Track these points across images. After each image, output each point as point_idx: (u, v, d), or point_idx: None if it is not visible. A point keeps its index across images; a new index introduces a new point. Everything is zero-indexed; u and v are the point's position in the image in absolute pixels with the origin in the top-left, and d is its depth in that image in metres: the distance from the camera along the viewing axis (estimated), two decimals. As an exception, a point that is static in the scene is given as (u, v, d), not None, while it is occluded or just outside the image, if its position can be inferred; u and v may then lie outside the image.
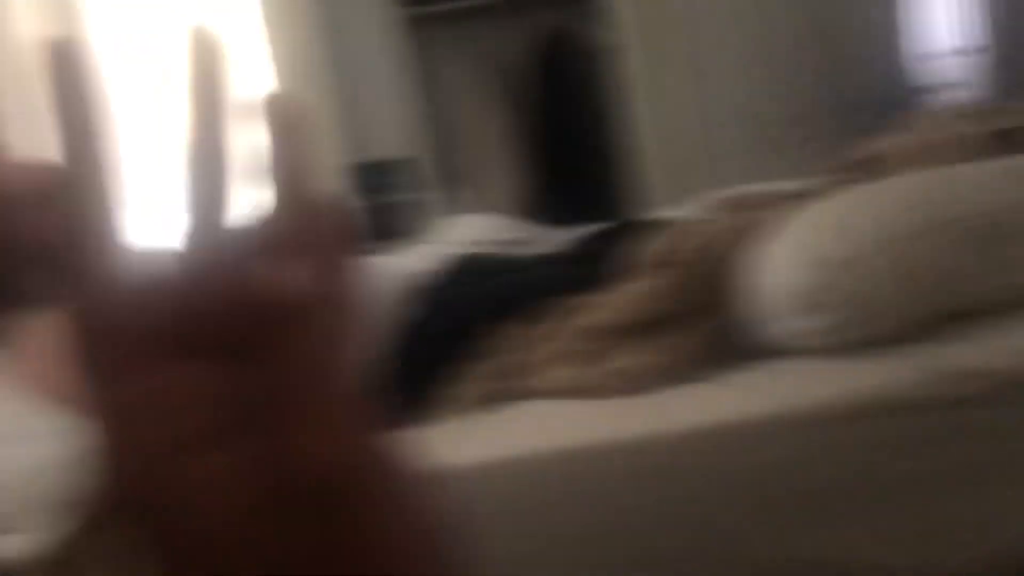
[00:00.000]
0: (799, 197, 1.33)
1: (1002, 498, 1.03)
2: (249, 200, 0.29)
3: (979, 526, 1.03)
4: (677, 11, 4.12)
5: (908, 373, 1.05)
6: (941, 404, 1.02)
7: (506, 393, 1.23)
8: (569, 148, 4.43)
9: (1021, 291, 1.16)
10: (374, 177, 4.21)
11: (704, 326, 1.21)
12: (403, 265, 1.69)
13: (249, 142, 0.29)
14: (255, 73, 3.81)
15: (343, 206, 0.30)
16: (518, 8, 4.78)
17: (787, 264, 1.16)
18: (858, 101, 4.34)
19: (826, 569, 1.02)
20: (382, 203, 4.21)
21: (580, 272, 1.43)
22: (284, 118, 0.29)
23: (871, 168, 1.46)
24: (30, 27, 3.33)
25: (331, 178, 3.91)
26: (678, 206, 2.03)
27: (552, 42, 4.70)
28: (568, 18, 4.73)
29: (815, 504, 1.03)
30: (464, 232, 1.96)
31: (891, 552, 1.03)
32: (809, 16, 4.27)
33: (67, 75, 0.27)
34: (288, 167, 0.29)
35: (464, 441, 1.13)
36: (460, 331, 1.33)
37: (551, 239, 1.86)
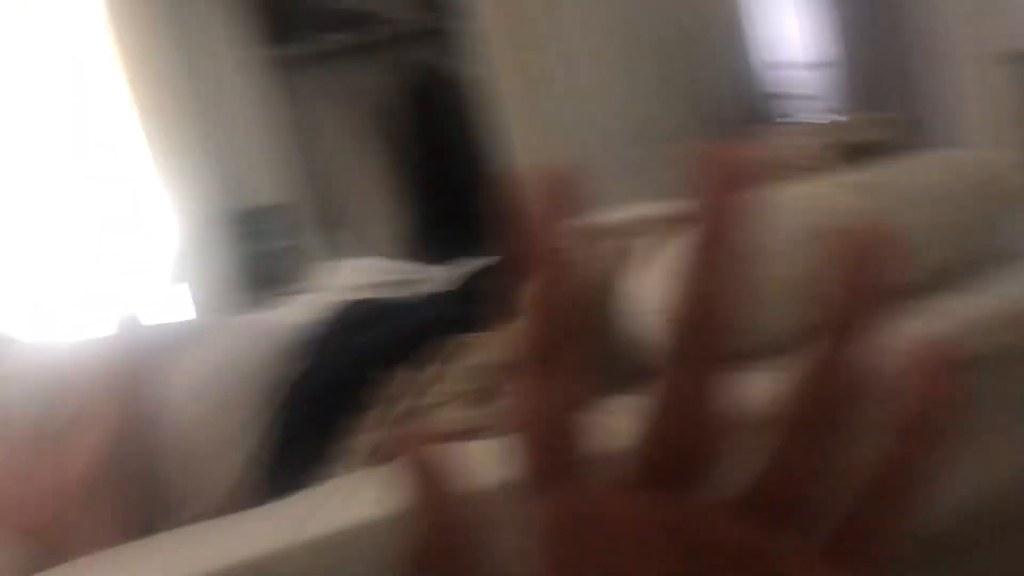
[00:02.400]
0: (666, 220, 1.38)
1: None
2: None
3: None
4: (538, 37, 4.22)
5: (779, 384, 1.09)
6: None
7: (398, 442, 1.22)
8: (445, 183, 4.46)
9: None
10: (249, 224, 4.12)
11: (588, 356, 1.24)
12: (285, 317, 1.66)
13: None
14: (117, 121, 3.68)
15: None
16: (384, 46, 4.80)
17: (659, 287, 1.20)
18: (716, 117, 4.53)
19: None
20: (259, 251, 4.12)
21: (466, 310, 1.44)
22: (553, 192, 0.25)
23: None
24: None
25: (202, 229, 3.81)
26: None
27: (420, 78, 4.73)
28: (434, 53, 4.78)
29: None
30: (345, 277, 1.94)
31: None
32: (667, 30, 4.44)
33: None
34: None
35: (355, 497, 1.12)
36: (348, 382, 1.32)
37: (435, 277, 1.86)
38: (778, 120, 3.77)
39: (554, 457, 0.24)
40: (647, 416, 0.25)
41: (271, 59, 4.43)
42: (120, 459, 1.21)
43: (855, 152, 1.42)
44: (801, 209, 1.24)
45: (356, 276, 1.91)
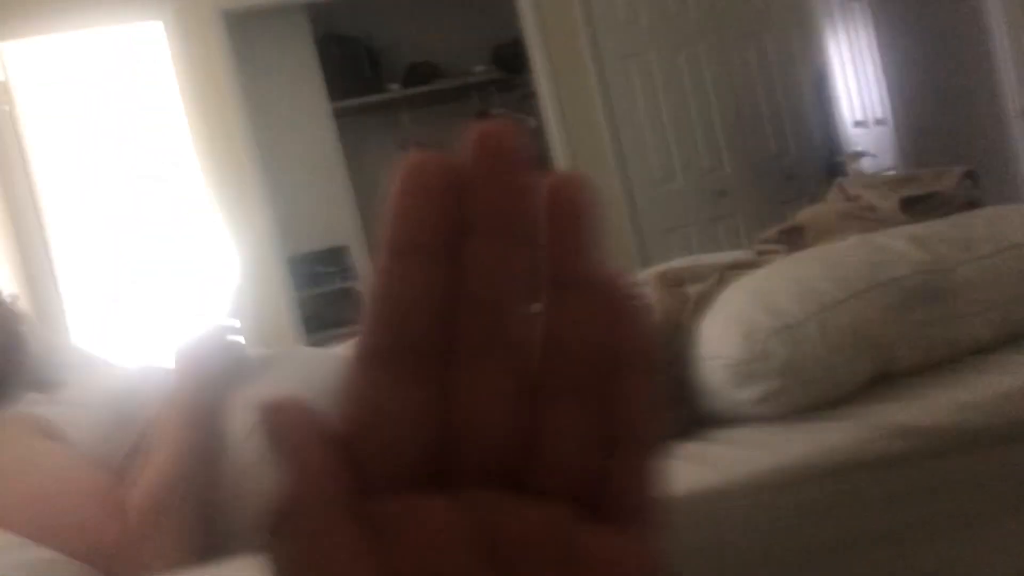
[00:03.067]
0: (728, 270, 1.38)
1: (945, 554, 1.07)
2: None
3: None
4: (599, 90, 4.27)
5: (849, 434, 1.08)
6: (883, 462, 1.06)
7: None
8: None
9: (952, 347, 1.22)
10: (310, 268, 4.21)
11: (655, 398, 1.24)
12: (343, 353, 1.69)
13: None
14: (186, 171, 3.81)
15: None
16: (444, 97, 4.90)
17: (720, 337, 1.20)
18: (776, 172, 4.53)
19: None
20: (320, 293, 4.20)
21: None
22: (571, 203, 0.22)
23: (792, 239, 1.53)
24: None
25: (264, 270, 3.90)
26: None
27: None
28: (494, 103, 4.87)
29: (763, 571, 1.05)
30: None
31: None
32: (725, 91, 4.47)
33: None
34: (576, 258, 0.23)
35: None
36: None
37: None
38: (839, 177, 3.75)
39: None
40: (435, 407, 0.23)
41: (338, 110, 4.55)
42: (186, 486, 1.24)
43: (911, 206, 1.41)
44: (862, 258, 1.24)
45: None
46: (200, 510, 1.25)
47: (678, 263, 1.84)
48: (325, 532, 0.22)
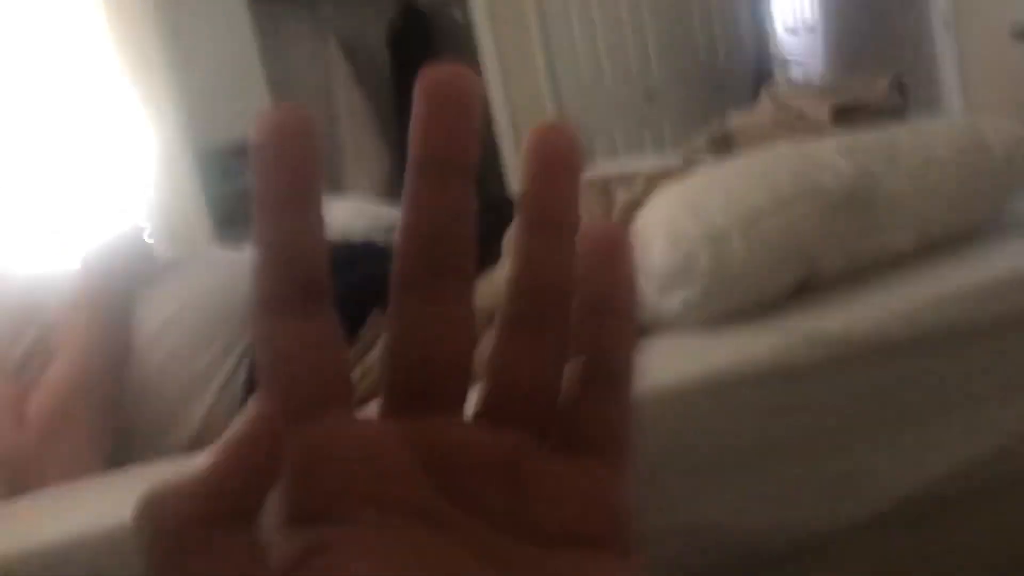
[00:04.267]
0: (655, 177, 1.36)
1: (864, 458, 1.09)
2: None
3: (841, 487, 1.09)
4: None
5: (771, 342, 1.09)
6: (803, 370, 1.07)
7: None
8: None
9: (876, 257, 1.23)
10: (223, 165, 4.04)
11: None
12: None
13: None
14: (97, 61, 3.57)
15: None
16: (366, -15, 4.69)
17: (646, 245, 1.18)
18: (705, 78, 4.50)
19: (702, 535, 1.06)
20: (232, 191, 4.05)
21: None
22: (555, 152, 0.24)
23: (721, 146, 1.51)
24: None
25: (176, 166, 3.73)
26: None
27: (406, 20, 4.63)
28: (419, -5, 4.68)
29: (688, 474, 1.07)
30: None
31: (761, 515, 1.07)
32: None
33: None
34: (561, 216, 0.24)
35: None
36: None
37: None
38: (776, 82, 3.75)
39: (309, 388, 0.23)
40: (389, 336, 0.24)
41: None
42: (90, 389, 1.18)
43: (842, 114, 1.40)
44: (794, 169, 1.22)
45: (334, 217, 1.88)
46: (105, 414, 1.20)
47: (605, 167, 1.81)
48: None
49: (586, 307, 0.24)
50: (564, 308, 0.24)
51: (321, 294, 0.23)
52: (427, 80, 0.23)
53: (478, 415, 0.25)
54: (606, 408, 0.25)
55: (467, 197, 0.23)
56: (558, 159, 0.24)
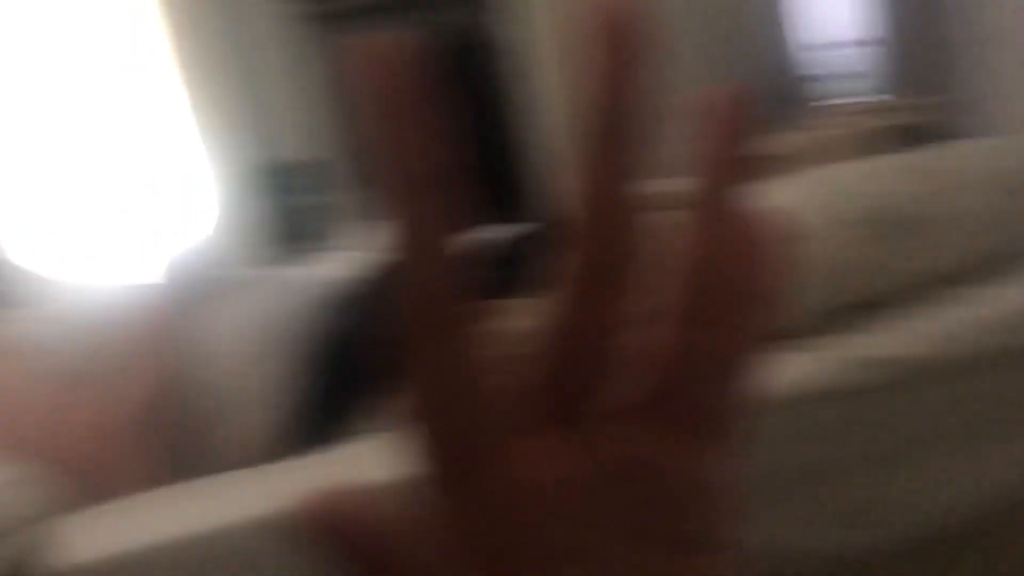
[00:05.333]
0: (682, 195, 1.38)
1: (908, 480, 1.10)
2: None
3: (887, 508, 1.09)
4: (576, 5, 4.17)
5: (818, 364, 1.10)
6: (849, 392, 1.08)
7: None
8: (477, 148, 4.43)
9: (921, 280, 1.23)
10: (281, 179, 4.14)
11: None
12: (319, 273, 1.68)
13: None
14: (157, 77, 3.70)
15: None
16: (419, 5, 4.77)
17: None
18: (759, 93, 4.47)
19: (747, 555, 1.07)
20: (290, 206, 4.14)
21: (502, 275, 1.44)
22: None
23: (772, 164, 1.52)
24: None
25: (237, 182, 3.83)
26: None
27: (456, 40, 4.69)
28: (470, 15, 4.74)
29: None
30: (380, 236, 1.95)
31: (805, 536, 1.08)
32: (702, 5, 4.38)
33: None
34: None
35: (378, 457, 1.14)
36: (379, 341, 1.33)
37: (469, 240, 1.86)
38: (818, 101, 3.72)
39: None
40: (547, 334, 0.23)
41: (308, 14, 4.42)
42: (158, 406, 1.24)
43: (900, 134, 1.41)
44: (846, 191, 1.23)
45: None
46: (171, 428, 1.25)
47: (656, 186, 1.83)
48: None
49: (721, 290, 0.23)
50: (736, 299, 0.23)
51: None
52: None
53: (636, 415, 0.23)
54: (738, 401, 0.25)
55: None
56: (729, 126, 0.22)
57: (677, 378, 0.23)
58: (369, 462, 1.13)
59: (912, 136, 1.39)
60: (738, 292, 0.23)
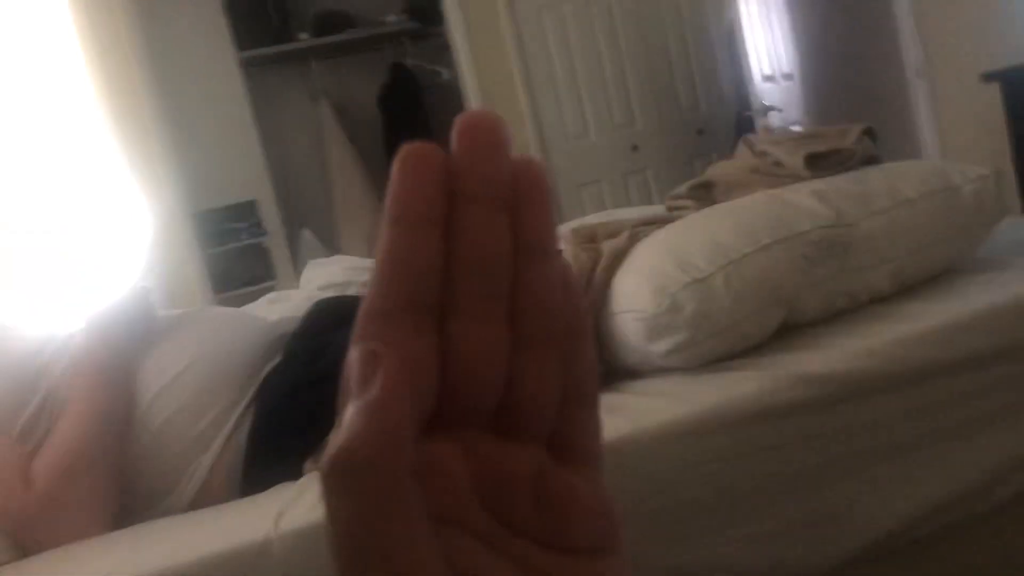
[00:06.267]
0: (640, 226, 1.41)
1: (848, 494, 1.12)
2: None
3: (826, 523, 1.11)
4: (513, 43, 4.24)
5: (755, 383, 1.13)
6: (786, 410, 1.11)
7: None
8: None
9: (852, 299, 1.27)
10: (217, 224, 4.10)
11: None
12: (260, 313, 1.66)
13: None
14: (85, 121, 3.64)
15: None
16: (356, 47, 4.80)
17: (632, 292, 1.23)
18: (687, 126, 4.59)
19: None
20: (228, 249, 4.10)
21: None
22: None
23: (702, 194, 1.57)
24: None
25: (178, 229, 3.78)
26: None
27: (395, 80, 4.73)
28: (408, 54, 4.79)
29: (676, 516, 1.09)
30: (318, 275, 1.94)
31: (748, 555, 1.10)
32: (638, 46, 4.49)
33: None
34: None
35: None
36: (322, 378, 1.32)
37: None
38: (755, 131, 3.83)
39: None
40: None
41: (245, 60, 4.40)
42: (95, 450, 1.21)
43: (815, 161, 1.46)
44: (772, 215, 1.27)
45: (329, 274, 1.92)
46: (110, 474, 1.22)
47: (591, 219, 1.86)
48: (393, 487, 0.23)
49: (566, 323, 0.26)
50: (564, 327, 0.26)
51: (432, 314, 0.25)
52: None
53: (507, 430, 0.26)
54: (588, 421, 0.28)
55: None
56: (538, 191, 0.25)
57: (515, 396, 0.26)
58: (312, 500, 1.12)
59: (835, 163, 1.44)
60: (547, 317, 0.26)
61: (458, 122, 0.25)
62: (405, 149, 0.25)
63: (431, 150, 0.25)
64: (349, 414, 0.23)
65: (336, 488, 0.22)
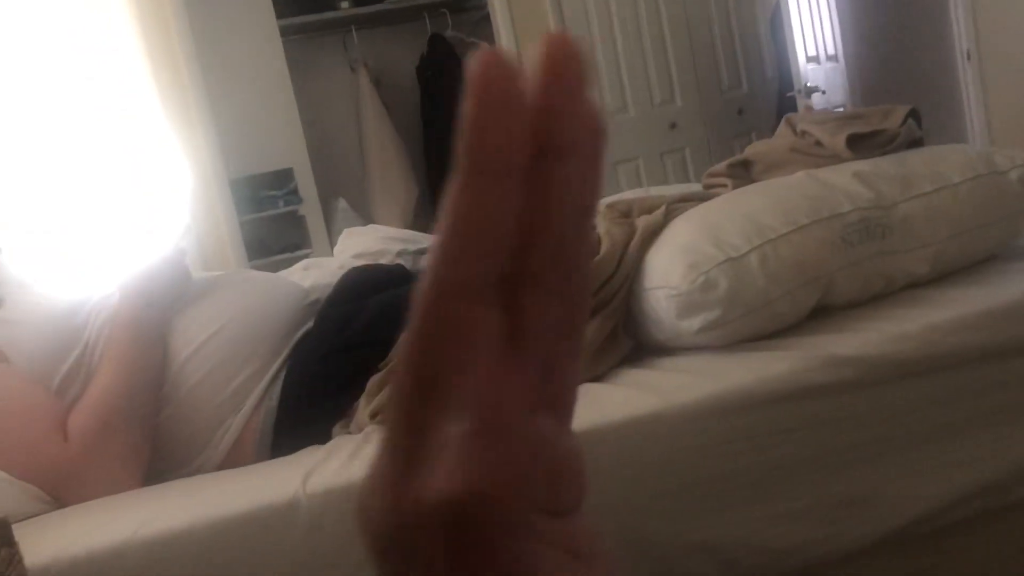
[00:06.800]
0: (675, 203, 1.40)
1: (875, 479, 1.11)
2: None
3: (853, 506, 1.11)
4: (554, 16, 4.21)
5: (787, 364, 1.12)
6: (818, 391, 1.10)
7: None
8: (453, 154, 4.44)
9: (888, 283, 1.26)
10: (255, 191, 4.13)
11: (602, 329, 1.25)
12: (296, 280, 1.68)
13: None
14: (134, 92, 3.68)
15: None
16: (396, 17, 4.79)
17: (666, 268, 1.22)
18: (727, 106, 4.53)
19: (717, 553, 1.08)
20: (263, 217, 4.13)
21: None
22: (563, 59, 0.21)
23: (740, 172, 1.55)
24: None
25: (215, 196, 3.81)
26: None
27: (434, 51, 4.71)
28: (448, 26, 4.77)
29: (705, 492, 1.09)
30: (353, 244, 1.95)
31: (775, 535, 1.09)
32: (680, 23, 4.43)
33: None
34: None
35: (353, 457, 1.14)
36: (352, 345, 1.33)
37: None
38: (796, 111, 3.77)
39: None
40: None
41: (285, 28, 4.41)
42: (130, 407, 1.23)
43: (857, 143, 1.43)
44: (810, 195, 1.26)
45: (363, 243, 1.93)
46: (143, 431, 1.25)
47: (627, 195, 1.85)
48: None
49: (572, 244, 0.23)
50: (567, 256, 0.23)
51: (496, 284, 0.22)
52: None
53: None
54: (576, 370, 0.25)
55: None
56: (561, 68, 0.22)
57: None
58: (339, 463, 1.13)
59: (877, 145, 1.41)
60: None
61: (542, 48, 0.21)
62: (483, 67, 0.20)
63: (514, 74, 0.21)
64: (450, 443, 0.20)
65: (442, 534, 0.20)
